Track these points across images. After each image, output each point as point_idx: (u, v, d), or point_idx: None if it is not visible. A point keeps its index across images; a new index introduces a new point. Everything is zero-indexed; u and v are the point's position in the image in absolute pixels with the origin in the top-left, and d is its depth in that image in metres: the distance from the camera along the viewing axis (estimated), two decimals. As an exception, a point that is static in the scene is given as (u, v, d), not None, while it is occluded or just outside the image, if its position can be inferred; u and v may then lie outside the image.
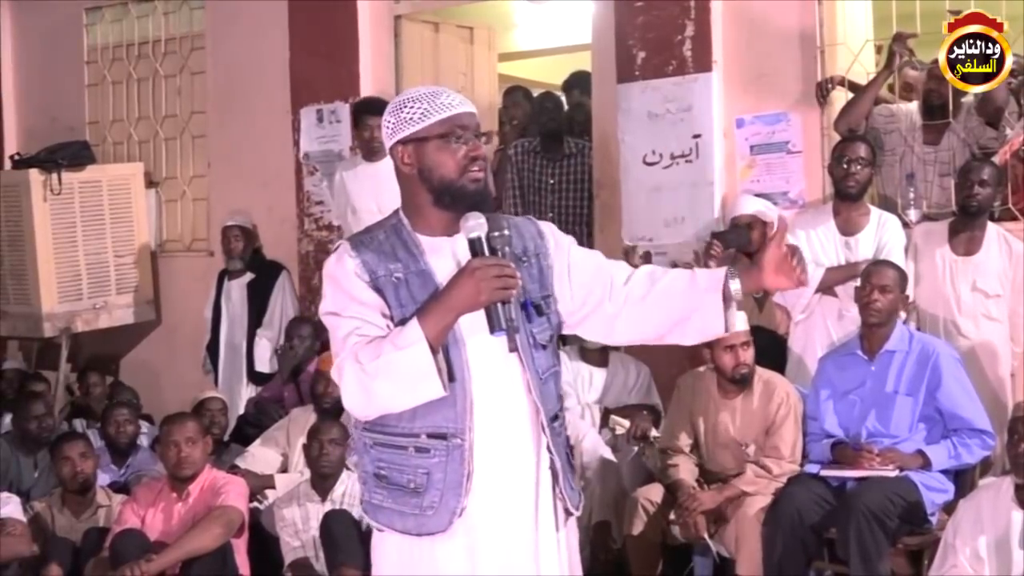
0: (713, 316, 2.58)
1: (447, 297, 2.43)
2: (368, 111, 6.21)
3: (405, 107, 2.56)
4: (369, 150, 6.30)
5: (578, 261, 2.66)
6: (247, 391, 6.78)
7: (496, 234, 2.46)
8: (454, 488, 2.51)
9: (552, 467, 2.58)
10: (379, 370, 2.42)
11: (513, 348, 2.44)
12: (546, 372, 2.59)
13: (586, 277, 2.65)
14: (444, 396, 2.46)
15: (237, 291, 6.99)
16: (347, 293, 2.53)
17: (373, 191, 6.28)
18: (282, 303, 6.96)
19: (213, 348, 7.09)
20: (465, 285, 2.40)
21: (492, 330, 2.41)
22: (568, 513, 2.62)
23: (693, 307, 2.59)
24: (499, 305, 2.39)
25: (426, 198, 2.57)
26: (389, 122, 2.58)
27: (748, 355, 4.71)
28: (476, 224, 2.45)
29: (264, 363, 6.75)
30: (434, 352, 2.41)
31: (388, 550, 2.60)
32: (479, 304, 2.40)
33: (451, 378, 2.47)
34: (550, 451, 2.57)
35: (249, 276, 6.98)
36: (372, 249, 2.56)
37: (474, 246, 2.44)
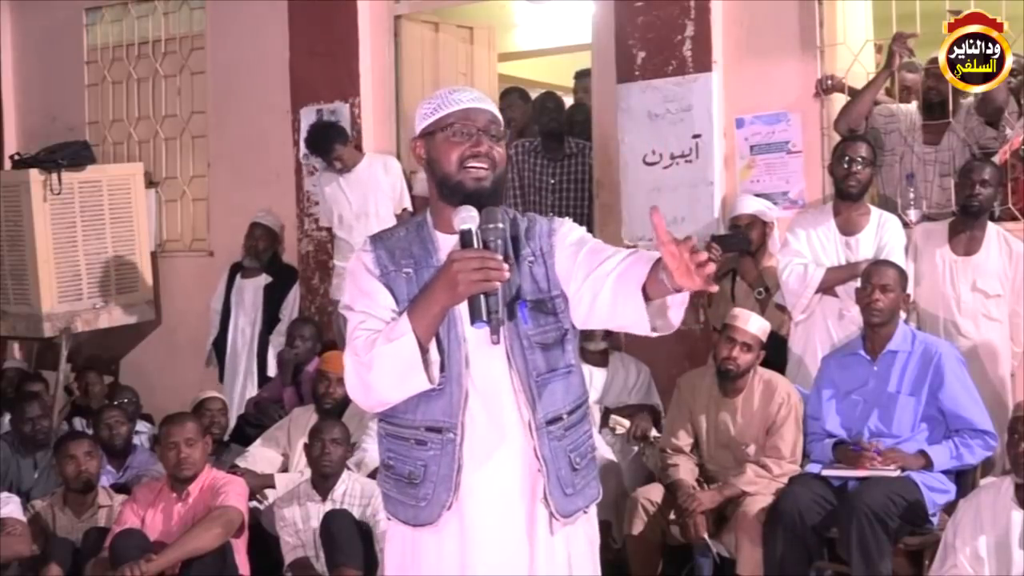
0: (638, 315, 2.40)
1: (430, 290, 2.45)
2: (316, 152, 6.56)
3: (423, 105, 2.62)
4: (340, 169, 6.47)
5: (567, 252, 2.60)
6: (253, 392, 6.77)
7: (490, 226, 2.45)
8: (445, 482, 2.54)
9: (540, 471, 2.56)
10: (373, 361, 2.46)
11: (496, 341, 2.42)
12: (545, 373, 2.57)
13: (568, 266, 2.59)
14: (440, 390, 2.50)
15: (251, 292, 7.01)
16: (358, 287, 2.59)
17: (355, 196, 6.46)
18: (298, 310, 6.98)
19: (219, 344, 7.10)
20: (444, 277, 2.40)
21: (472, 321, 2.40)
22: (558, 519, 2.58)
23: (626, 301, 2.43)
24: (482, 296, 2.38)
25: (435, 192, 2.62)
26: (414, 120, 2.64)
27: (743, 357, 4.70)
28: (467, 216, 2.45)
29: (275, 368, 6.74)
30: (423, 344, 2.42)
31: (394, 538, 2.66)
32: (458, 295, 2.39)
33: (445, 373, 2.50)
34: (537, 455, 2.55)
35: (266, 279, 6.99)
36: (388, 244, 2.61)
37: (464, 238, 2.44)
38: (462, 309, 2.46)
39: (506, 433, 2.55)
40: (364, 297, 2.56)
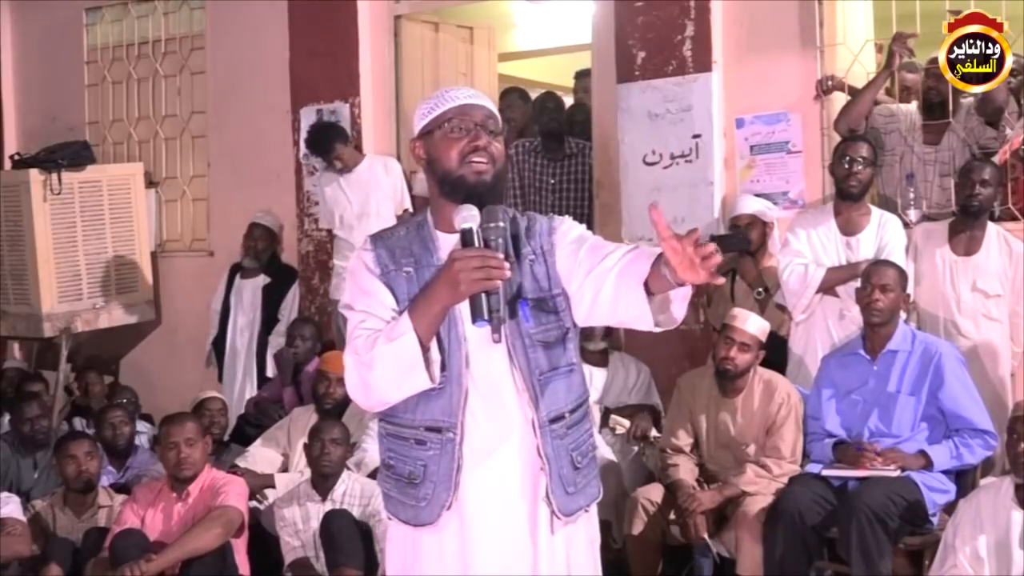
0: (641, 311, 2.42)
1: (431, 290, 2.45)
2: (318, 152, 6.55)
3: (420, 107, 2.62)
4: (340, 169, 6.48)
5: (568, 250, 2.59)
6: (253, 393, 6.77)
7: (491, 225, 2.45)
8: (445, 482, 2.54)
9: (543, 469, 2.56)
10: (373, 361, 2.46)
11: (497, 340, 2.42)
12: (547, 372, 2.57)
13: (569, 264, 2.58)
14: (440, 389, 2.50)
15: (250, 292, 7.01)
16: (359, 286, 2.58)
17: (357, 197, 6.46)
18: (297, 310, 6.98)
19: (219, 344, 7.10)
20: (445, 277, 2.40)
21: (474, 320, 2.40)
22: (560, 518, 2.59)
23: (628, 297, 2.44)
24: (483, 295, 2.38)
25: (435, 191, 2.61)
26: (413, 122, 2.64)
27: (741, 357, 4.70)
28: (468, 215, 2.45)
29: (274, 369, 6.74)
30: (423, 344, 2.42)
31: (395, 538, 2.66)
32: (459, 295, 2.39)
33: (446, 372, 2.50)
34: (540, 454, 2.56)
35: (264, 279, 6.99)
36: (389, 244, 2.61)
37: (465, 237, 2.44)
38: (462, 308, 2.45)
39: (507, 432, 2.55)
40: (364, 296, 2.56)
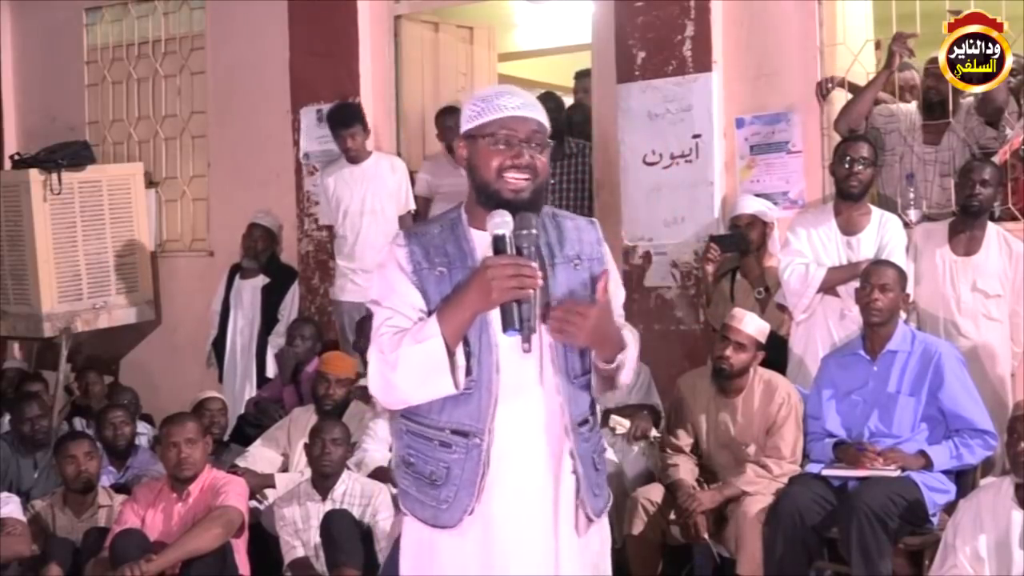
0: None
1: (462, 295, 2.44)
2: (337, 124, 6.39)
3: (469, 104, 2.60)
4: (349, 157, 6.43)
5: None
6: (253, 393, 6.77)
7: (523, 232, 2.44)
8: (468, 486, 2.53)
9: (575, 472, 2.57)
10: (398, 361, 2.45)
11: (528, 349, 2.43)
12: (580, 376, 2.58)
13: None
14: (469, 394, 2.50)
15: (249, 293, 7.00)
16: (388, 283, 2.57)
17: (360, 192, 6.41)
18: (296, 310, 6.98)
19: (219, 344, 7.10)
20: (477, 283, 2.40)
21: (504, 328, 2.40)
22: (589, 520, 2.61)
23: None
24: (515, 304, 2.38)
25: (472, 194, 2.60)
26: (462, 115, 2.63)
27: (736, 356, 4.70)
28: (501, 222, 2.44)
29: (274, 369, 6.74)
30: (450, 348, 2.42)
31: (410, 535, 2.65)
32: (491, 303, 2.39)
33: (475, 377, 2.49)
34: (572, 456, 2.57)
35: (264, 280, 6.98)
36: (423, 241, 2.59)
37: (498, 244, 2.44)
38: (494, 314, 2.46)
39: (537, 438, 2.55)
40: (392, 293, 2.54)
